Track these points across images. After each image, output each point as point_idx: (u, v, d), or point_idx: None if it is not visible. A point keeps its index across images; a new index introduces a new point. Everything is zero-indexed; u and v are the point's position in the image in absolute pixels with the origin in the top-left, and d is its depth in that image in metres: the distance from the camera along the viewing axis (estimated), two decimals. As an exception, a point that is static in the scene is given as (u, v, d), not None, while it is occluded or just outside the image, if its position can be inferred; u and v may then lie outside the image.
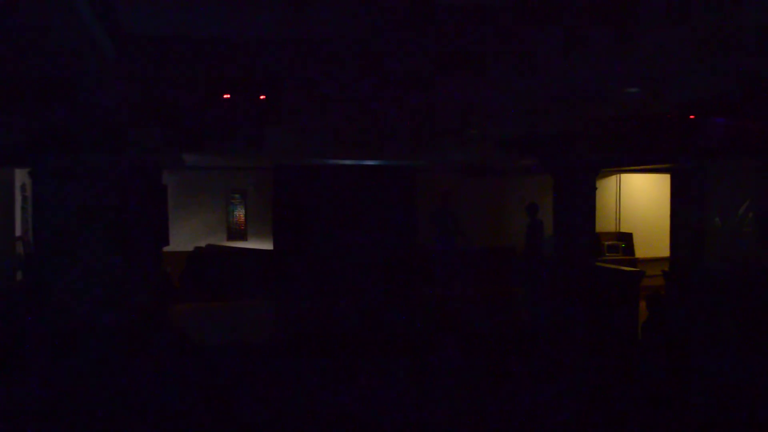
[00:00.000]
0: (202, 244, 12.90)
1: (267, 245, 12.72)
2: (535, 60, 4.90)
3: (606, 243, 13.72)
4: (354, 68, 5.60)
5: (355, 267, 12.29)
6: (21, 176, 10.13)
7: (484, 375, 6.33)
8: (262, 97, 7.13)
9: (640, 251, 13.76)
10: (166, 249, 11.20)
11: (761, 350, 6.23)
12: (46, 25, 2.70)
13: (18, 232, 10.11)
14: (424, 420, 5.19)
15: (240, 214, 13.24)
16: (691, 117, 8.13)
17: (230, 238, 13.15)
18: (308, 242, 12.30)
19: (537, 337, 8.19)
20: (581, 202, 11.31)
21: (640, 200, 14.48)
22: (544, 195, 13.06)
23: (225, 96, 7.03)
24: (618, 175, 14.24)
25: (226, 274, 12.37)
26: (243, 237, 13.22)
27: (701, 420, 4.79)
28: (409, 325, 8.77)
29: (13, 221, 9.91)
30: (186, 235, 12.67)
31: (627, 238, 14.05)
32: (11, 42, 3.00)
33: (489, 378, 6.21)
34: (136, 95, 5.18)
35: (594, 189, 11.60)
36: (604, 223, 13.91)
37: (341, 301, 11.08)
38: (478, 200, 14.17)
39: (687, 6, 3.35)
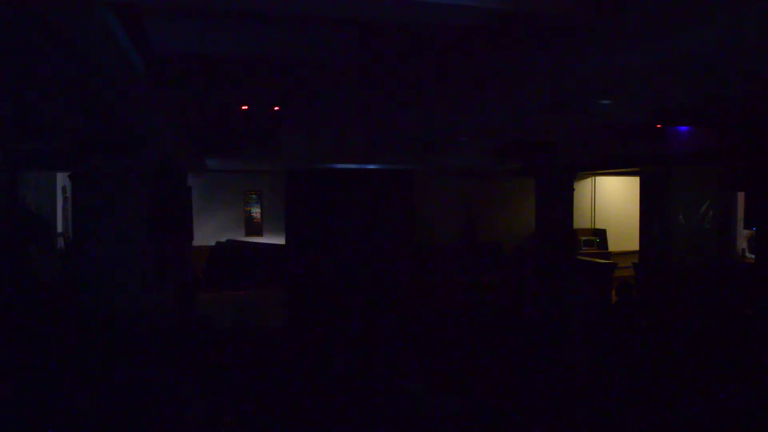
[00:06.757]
0: (223, 239, 12.93)
1: (280, 240, 12.79)
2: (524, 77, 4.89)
3: (582, 238, 13.70)
4: (357, 85, 5.60)
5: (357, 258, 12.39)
6: (62, 179, 10.15)
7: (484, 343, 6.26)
8: (276, 108, 7.12)
9: (613, 245, 13.74)
10: (190, 243, 11.24)
11: (718, 326, 6.25)
12: (84, 43, 2.70)
13: (59, 229, 10.12)
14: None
15: (256, 212, 13.25)
16: (658, 126, 8.11)
17: (248, 233, 13.17)
18: (317, 237, 12.41)
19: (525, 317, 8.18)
20: (560, 201, 11.31)
21: (612, 200, 14.46)
22: (528, 196, 13.05)
23: (243, 107, 7.02)
24: (593, 177, 14.22)
25: (244, 266, 12.46)
26: (259, 232, 13.24)
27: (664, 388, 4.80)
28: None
29: (56, 219, 9.92)
30: (208, 231, 12.69)
31: (601, 233, 14.03)
32: (54, 61, 3.00)
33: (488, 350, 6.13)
34: (164, 107, 5.17)
35: (571, 189, 11.59)
36: (581, 220, 13.89)
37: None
38: (465, 199, 14.14)
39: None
